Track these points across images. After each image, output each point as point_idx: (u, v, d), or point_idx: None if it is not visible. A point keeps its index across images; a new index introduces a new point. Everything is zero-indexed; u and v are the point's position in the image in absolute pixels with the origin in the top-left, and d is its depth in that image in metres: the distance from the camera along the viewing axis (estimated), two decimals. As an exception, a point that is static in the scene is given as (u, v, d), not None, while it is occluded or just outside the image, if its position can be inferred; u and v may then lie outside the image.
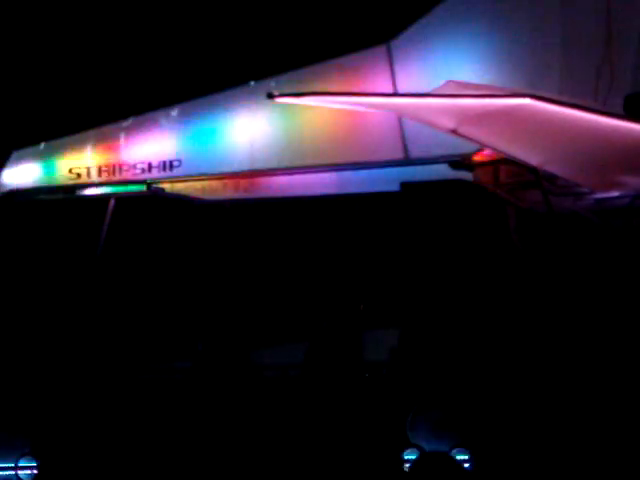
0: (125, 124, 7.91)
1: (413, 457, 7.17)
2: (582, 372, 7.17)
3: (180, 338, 8.20)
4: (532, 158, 7.07)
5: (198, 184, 7.83)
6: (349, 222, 8.45)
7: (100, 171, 7.70)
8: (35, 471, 7.44)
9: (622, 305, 7.49)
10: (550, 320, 7.40)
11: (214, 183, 7.87)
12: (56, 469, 7.29)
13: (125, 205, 7.70)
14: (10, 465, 7.35)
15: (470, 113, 6.65)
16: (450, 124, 6.86)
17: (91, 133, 7.90)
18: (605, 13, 7.21)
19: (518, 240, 7.66)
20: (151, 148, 7.70)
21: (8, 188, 7.82)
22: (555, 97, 6.41)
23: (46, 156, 7.90)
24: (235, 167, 7.93)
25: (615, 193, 7.24)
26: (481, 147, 7.24)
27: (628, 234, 7.18)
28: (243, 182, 8.15)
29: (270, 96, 6.60)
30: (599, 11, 7.17)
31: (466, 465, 7.33)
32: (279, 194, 7.80)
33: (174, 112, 7.85)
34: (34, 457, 7.35)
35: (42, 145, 7.90)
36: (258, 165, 7.96)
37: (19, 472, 7.50)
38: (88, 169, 7.78)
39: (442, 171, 7.51)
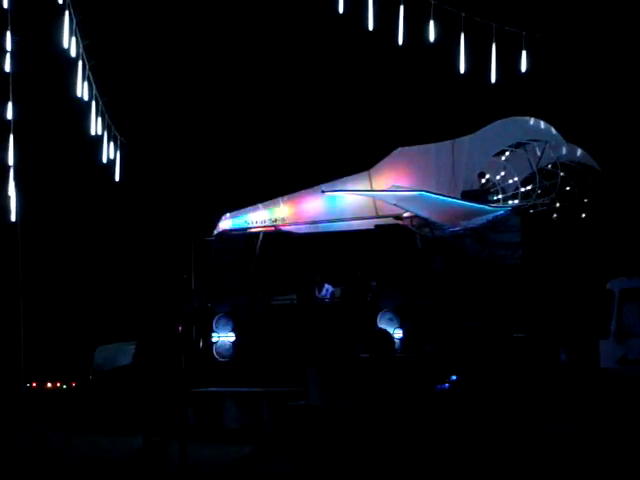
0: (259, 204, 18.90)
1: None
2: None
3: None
4: (424, 213, 17.22)
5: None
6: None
7: (256, 222, 18.72)
8: (233, 339, 18.18)
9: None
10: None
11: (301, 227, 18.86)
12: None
13: (268, 239, 18.64)
14: (229, 335, 18.04)
15: (400, 197, 17.66)
16: (393, 201, 17.78)
17: (250, 207, 18.93)
18: (452, 162, 18.17)
19: (421, 249, 18.45)
20: (277, 213, 18.75)
21: (221, 230, 18.67)
22: (433, 191, 17.51)
23: (238, 215, 18.58)
24: (304, 220, 18.82)
25: (457, 228, 18.18)
26: (406, 210, 17.95)
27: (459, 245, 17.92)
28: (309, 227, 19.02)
29: (323, 192, 17.79)
30: (449, 162, 18.17)
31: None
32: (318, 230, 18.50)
33: (284, 197, 18.85)
34: (235, 332, 18.16)
35: (234, 211, 18.56)
36: (312, 219, 18.86)
37: (226, 340, 18.23)
38: (246, 222, 18.64)
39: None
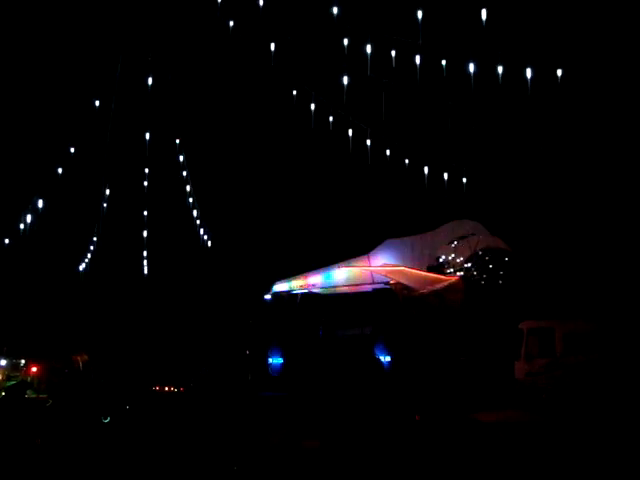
0: (298, 275, 29.33)
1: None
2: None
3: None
4: (404, 281, 27.90)
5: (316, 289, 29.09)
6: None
7: (297, 286, 28.99)
8: (281, 362, 28.14)
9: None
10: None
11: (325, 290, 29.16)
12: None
13: (304, 297, 28.92)
14: (279, 359, 28.01)
15: (388, 271, 28.02)
16: (383, 273, 28.21)
17: (292, 278, 29.29)
18: (421, 248, 28.55)
19: (402, 304, 28.56)
20: (310, 280, 29.09)
21: (275, 291, 29.03)
22: (409, 266, 27.89)
23: (285, 282, 29.08)
24: (327, 285, 29.26)
25: (424, 290, 28.35)
26: (392, 279, 28.45)
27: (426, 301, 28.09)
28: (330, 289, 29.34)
29: (339, 267, 28.22)
30: (419, 248, 28.54)
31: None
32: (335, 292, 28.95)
33: (314, 271, 29.25)
34: (283, 358, 28.10)
35: (283, 279, 29.14)
36: (332, 285, 29.25)
37: (277, 362, 28.18)
38: (290, 286, 29.15)
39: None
